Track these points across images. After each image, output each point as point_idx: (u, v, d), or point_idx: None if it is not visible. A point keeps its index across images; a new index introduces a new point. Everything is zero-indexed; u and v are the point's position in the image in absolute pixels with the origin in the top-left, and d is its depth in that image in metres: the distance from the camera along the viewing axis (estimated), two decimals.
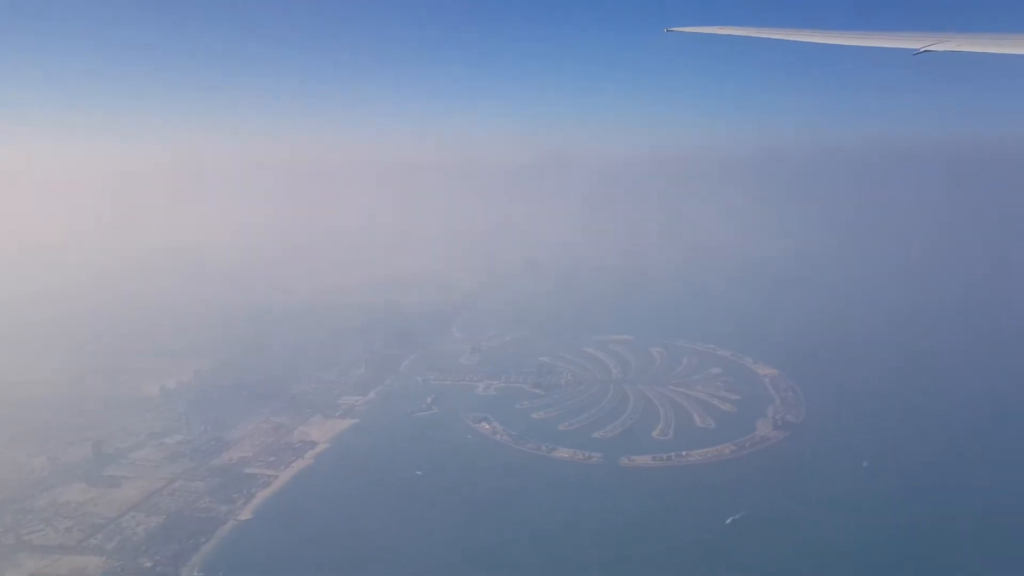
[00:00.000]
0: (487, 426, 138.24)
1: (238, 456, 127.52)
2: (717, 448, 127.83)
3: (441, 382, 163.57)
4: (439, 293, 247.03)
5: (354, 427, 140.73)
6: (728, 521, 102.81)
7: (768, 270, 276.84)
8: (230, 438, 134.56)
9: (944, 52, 19.42)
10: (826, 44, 24.01)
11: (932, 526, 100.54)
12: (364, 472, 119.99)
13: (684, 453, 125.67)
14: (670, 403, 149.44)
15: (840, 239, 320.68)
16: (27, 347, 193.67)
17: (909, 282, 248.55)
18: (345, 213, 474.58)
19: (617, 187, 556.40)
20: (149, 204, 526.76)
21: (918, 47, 19.60)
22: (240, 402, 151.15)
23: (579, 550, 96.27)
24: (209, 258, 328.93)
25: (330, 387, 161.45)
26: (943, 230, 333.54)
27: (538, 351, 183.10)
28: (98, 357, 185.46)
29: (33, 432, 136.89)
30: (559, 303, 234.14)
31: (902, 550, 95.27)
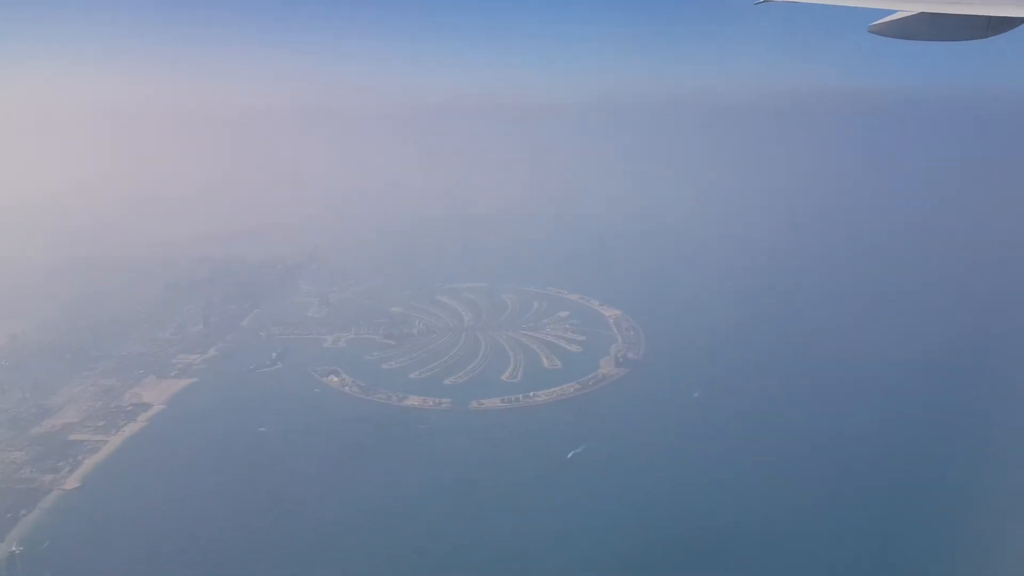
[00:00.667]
0: (335, 379, 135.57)
1: (62, 423, 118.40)
2: (562, 387, 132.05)
3: (287, 337, 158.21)
4: (287, 245, 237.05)
5: (192, 387, 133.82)
6: (569, 455, 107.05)
7: (621, 218, 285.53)
8: (52, 404, 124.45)
9: (780, 2, 19.81)
10: None
11: (753, 450, 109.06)
12: (203, 433, 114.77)
13: (532, 394, 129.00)
14: (520, 347, 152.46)
15: (695, 191, 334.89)
16: None
17: (756, 232, 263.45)
18: (212, 162, 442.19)
19: (487, 135, 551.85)
20: None
21: None
22: (63, 365, 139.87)
23: (425, 490, 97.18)
24: (42, 213, 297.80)
25: (165, 346, 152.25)
26: (785, 181, 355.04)
27: (391, 302, 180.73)
28: None
29: None
30: (414, 252, 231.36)
31: (720, 472, 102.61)
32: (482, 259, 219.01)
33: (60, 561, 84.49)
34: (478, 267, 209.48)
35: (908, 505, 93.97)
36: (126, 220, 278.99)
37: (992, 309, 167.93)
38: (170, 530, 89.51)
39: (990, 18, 15.42)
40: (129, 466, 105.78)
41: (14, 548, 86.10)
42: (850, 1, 17.87)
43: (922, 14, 16.15)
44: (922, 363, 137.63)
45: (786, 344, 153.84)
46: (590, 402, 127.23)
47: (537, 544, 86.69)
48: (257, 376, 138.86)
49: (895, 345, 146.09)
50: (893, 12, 16.72)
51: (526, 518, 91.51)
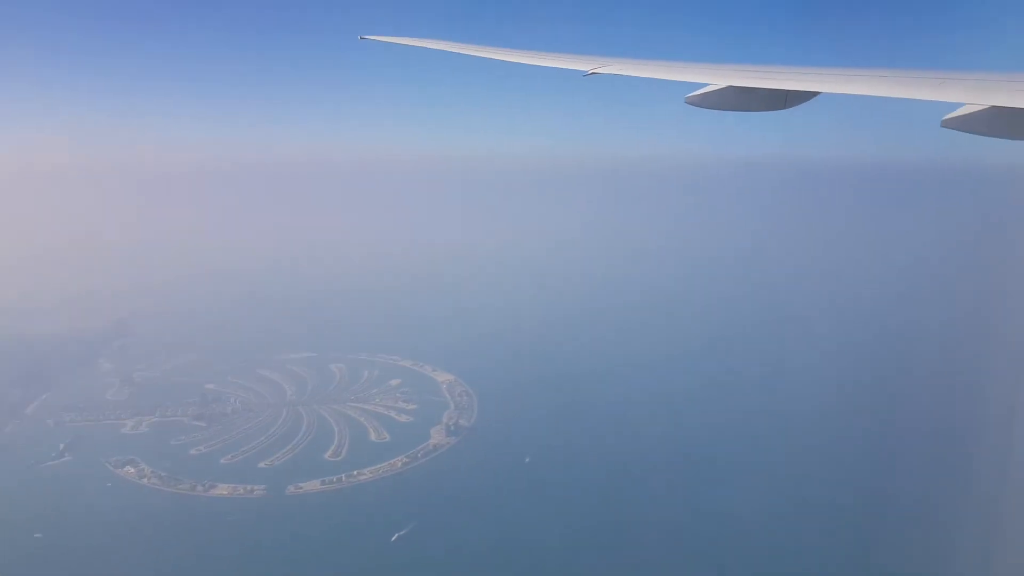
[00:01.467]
0: (132, 470, 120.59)
1: None
2: (390, 462, 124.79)
3: (80, 423, 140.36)
4: (91, 318, 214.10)
5: None
6: (394, 538, 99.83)
7: (445, 275, 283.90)
8: None
9: (609, 75, 21.12)
10: (509, 62, 25.20)
11: (585, 513, 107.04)
12: None
13: (355, 472, 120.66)
14: (346, 421, 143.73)
15: (524, 253, 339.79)
16: None
17: (578, 282, 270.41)
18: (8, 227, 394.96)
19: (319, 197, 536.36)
20: None
21: (588, 69, 21.46)
22: None
23: None
24: None
25: None
26: (607, 240, 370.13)
27: (205, 378, 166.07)
28: None
29: None
30: (236, 321, 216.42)
31: (550, 539, 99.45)
32: (311, 327, 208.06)
33: None
34: (306, 336, 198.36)
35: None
36: None
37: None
38: None
39: (788, 92, 17.46)
40: None
41: None
42: (668, 75, 19.90)
43: (730, 87, 17.93)
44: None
45: (615, 398, 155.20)
46: (419, 476, 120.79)
47: None
48: (38, 472, 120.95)
49: (717, 400, 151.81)
50: (707, 85, 18.46)
51: None
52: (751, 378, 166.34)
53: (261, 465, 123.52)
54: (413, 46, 29.66)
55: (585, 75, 21.49)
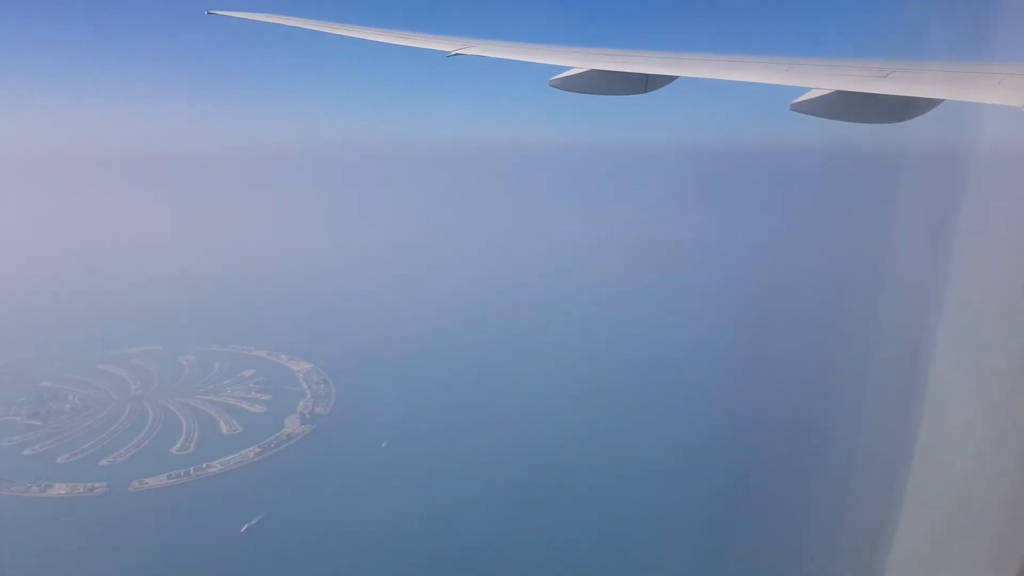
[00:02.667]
0: None
1: None
2: (241, 453, 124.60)
3: None
4: None
5: None
6: (243, 528, 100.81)
7: (301, 265, 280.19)
8: None
9: (472, 56, 21.03)
10: (368, 40, 24.54)
11: (441, 496, 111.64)
12: None
13: (205, 465, 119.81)
14: (195, 414, 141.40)
15: (381, 234, 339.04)
16: None
17: (433, 271, 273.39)
18: None
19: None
20: None
21: (451, 50, 21.26)
22: None
23: None
24: None
25: None
26: (466, 227, 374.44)
27: (40, 375, 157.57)
28: None
29: None
30: (75, 314, 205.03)
31: (405, 524, 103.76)
32: (156, 319, 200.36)
33: None
34: (151, 328, 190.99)
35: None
36: None
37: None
38: None
39: (648, 76, 18.01)
40: None
41: None
42: (531, 57, 20.00)
43: (593, 70, 18.26)
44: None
45: (473, 382, 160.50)
46: (272, 466, 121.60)
47: None
48: None
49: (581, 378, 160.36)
50: (571, 68, 18.80)
51: None
52: (591, 355, 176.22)
53: (103, 463, 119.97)
54: (265, 22, 27.27)
55: (448, 56, 21.36)
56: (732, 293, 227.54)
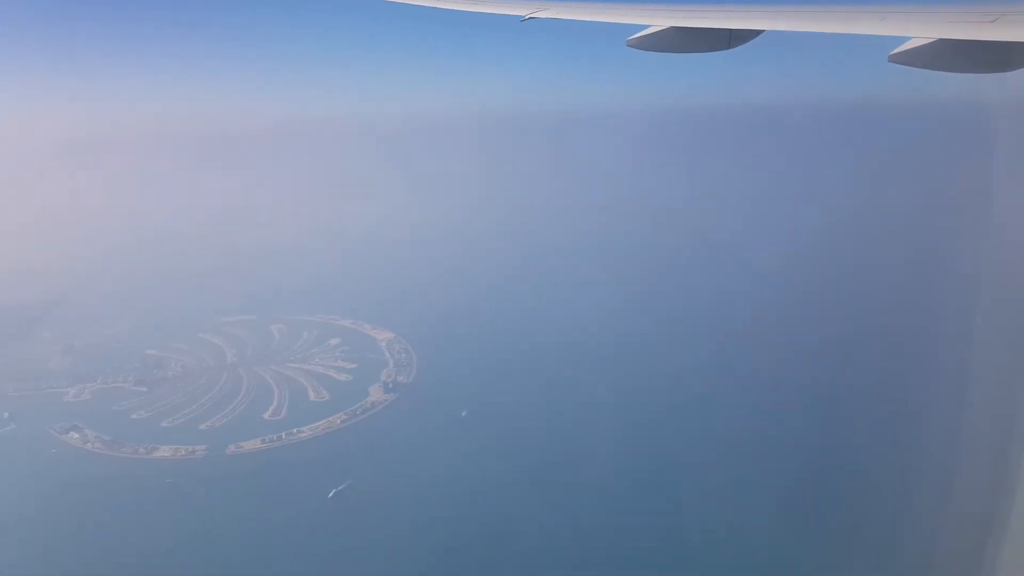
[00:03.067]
0: (76, 436, 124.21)
1: None
2: (328, 420, 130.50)
3: (21, 394, 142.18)
4: (30, 289, 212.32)
5: None
6: (330, 494, 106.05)
7: (384, 234, 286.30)
8: None
9: (547, 19, 20.56)
10: (438, 8, 24.37)
11: (517, 464, 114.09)
12: None
13: (295, 431, 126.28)
14: (286, 381, 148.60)
15: (463, 207, 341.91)
16: None
17: (522, 239, 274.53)
18: None
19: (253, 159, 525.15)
20: None
21: (524, 14, 20.80)
22: None
23: (160, 548, 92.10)
24: None
25: None
26: (557, 197, 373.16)
27: (146, 343, 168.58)
28: None
29: None
30: (177, 286, 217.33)
31: (483, 493, 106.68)
32: (251, 289, 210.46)
33: None
34: (246, 298, 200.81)
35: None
36: None
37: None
38: None
39: (731, 31, 17.35)
40: None
41: None
42: (608, 17, 19.57)
43: (672, 27, 17.76)
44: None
45: (552, 351, 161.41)
46: (356, 433, 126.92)
47: None
48: None
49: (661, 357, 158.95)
50: (648, 27, 18.31)
51: (270, 568, 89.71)
52: (695, 340, 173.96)
53: (202, 427, 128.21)
54: None
55: (522, 20, 21.02)
56: (850, 265, 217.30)
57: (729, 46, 17.77)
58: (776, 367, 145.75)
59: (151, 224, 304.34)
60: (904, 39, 14.64)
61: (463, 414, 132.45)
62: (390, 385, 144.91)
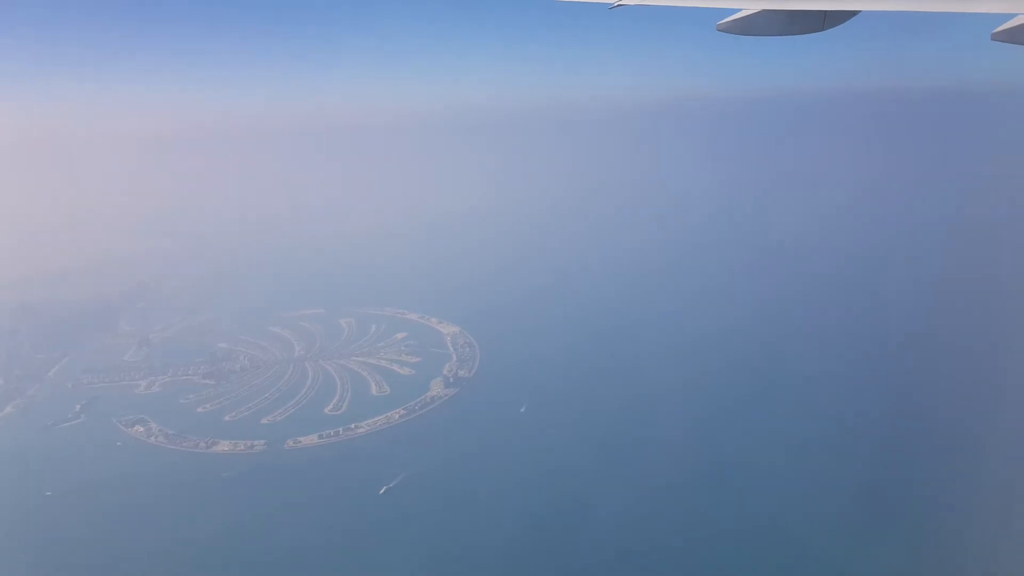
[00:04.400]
0: (141, 429, 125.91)
1: None
2: (387, 415, 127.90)
3: (97, 385, 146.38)
4: (112, 282, 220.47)
5: None
6: (382, 491, 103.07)
7: (459, 230, 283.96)
8: None
9: (636, 6, 20.41)
10: None
11: (575, 462, 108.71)
12: None
13: (353, 426, 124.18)
14: (350, 375, 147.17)
15: (540, 202, 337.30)
16: None
17: (598, 235, 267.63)
18: (36, 193, 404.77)
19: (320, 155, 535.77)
20: None
21: (614, 1, 20.60)
22: None
23: (206, 543, 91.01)
24: None
25: None
26: (638, 188, 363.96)
27: (218, 337, 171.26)
28: None
29: None
30: (251, 280, 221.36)
31: (538, 492, 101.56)
32: (323, 283, 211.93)
33: None
34: (317, 292, 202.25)
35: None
36: None
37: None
38: None
39: (826, 12, 16.71)
40: None
41: None
42: (698, 2, 19.14)
43: (764, 10, 17.23)
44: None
45: (613, 347, 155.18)
46: (414, 428, 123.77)
47: None
48: (54, 433, 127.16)
49: (721, 351, 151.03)
50: (739, 11, 17.81)
51: (315, 570, 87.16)
52: (760, 339, 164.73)
53: (264, 421, 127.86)
54: None
55: (611, 7, 21.03)
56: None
57: (823, 27, 17.22)
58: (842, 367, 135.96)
59: (229, 218, 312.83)
60: (1009, 16, 13.68)
61: (522, 409, 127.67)
62: (451, 380, 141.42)
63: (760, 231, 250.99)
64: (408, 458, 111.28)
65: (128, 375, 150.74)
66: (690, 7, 19.32)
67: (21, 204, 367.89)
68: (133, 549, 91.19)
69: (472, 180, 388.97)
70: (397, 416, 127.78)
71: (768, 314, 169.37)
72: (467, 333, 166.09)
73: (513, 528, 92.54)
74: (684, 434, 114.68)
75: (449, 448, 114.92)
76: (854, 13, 16.64)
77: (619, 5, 20.75)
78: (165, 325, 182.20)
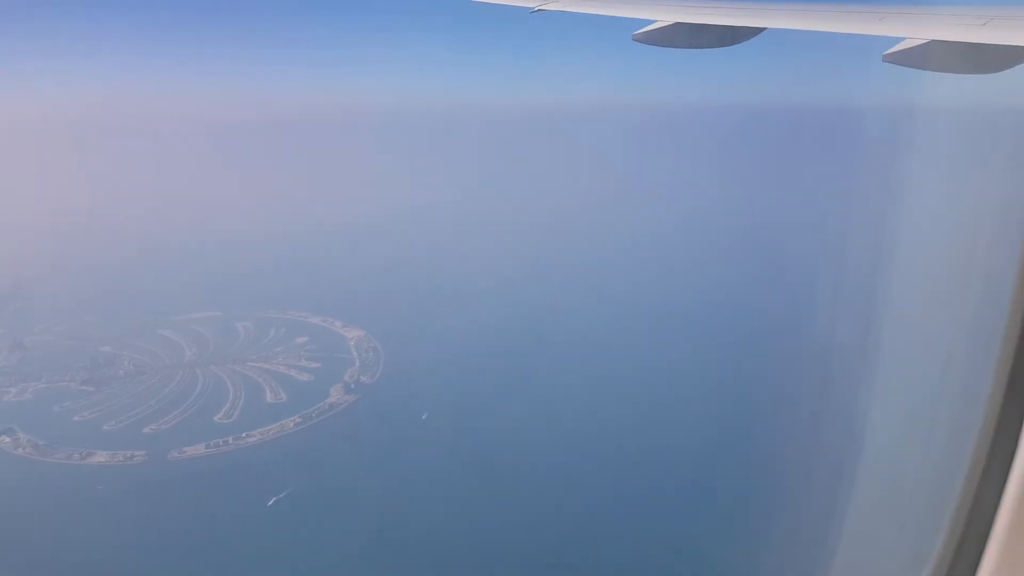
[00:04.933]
0: (7, 439, 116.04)
1: None
2: (281, 423, 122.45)
3: None
4: None
5: None
6: (270, 502, 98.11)
7: (366, 230, 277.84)
8: None
9: (556, 12, 20.71)
10: None
11: (471, 471, 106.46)
12: None
13: (244, 435, 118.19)
14: (244, 381, 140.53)
15: (450, 200, 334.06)
16: None
17: (510, 240, 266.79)
18: None
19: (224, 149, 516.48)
20: None
21: (534, 5, 20.76)
22: None
23: (71, 566, 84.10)
24: None
25: None
26: (549, 191, 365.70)
27: (101, 340, 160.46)
28: None
29: None
30: (141, 279, 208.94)
31: (429, 501, 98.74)
32: (220, 284, 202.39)
33: None
34: (214, 293, 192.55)
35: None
36: None
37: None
38: None
39: (735, 27, 17.45)
40: None
41: None
42: (616, 11, 20.00)
43: (677, 23, 17.75)
44: None
45: (531, 359, 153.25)
46: (309, 437, 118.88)
47: None
48: None
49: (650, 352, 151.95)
50: (655, 21, 18.22)
51: None
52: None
53: (146, 431, 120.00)
54: None
55: (532, 11, 21.11)
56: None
57: (732, 43, 18.03)
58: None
59: (119, 215, 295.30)
60: (899, 39, 15.18)
61: (424, 416, 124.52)
62: (352, 386, 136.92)
63: (618, 232, 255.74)
64: (300, 468, 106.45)
65: None
66: (609, 16, 20.08)
67: None
68: None
69: (387, 180, 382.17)
70: (292, 424, 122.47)
71: (671, 318, 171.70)
72: (372, 337, 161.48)
73: (405, 539, 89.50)
74: (590, 441, 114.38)
75: (344, 457, 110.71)
76: (761, 30, 17.39)
77: (540, 9, 20.81)
78: (42, 328, 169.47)
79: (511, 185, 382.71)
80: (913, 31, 14.95)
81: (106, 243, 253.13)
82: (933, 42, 14.44)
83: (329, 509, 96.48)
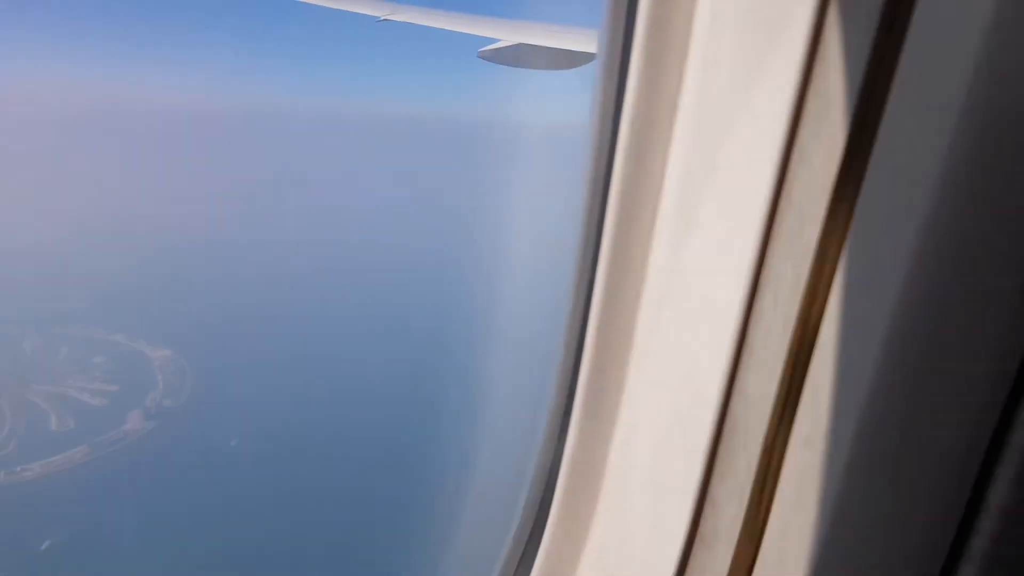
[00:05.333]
0: None
1: None
2: (67, 454, 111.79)
3: None
4: None
5: None
6: (44, 547, 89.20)
7: (180, 242, 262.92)
8: None
9: (402, 23, 21.86)
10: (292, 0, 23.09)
11: (278, 500, 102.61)
12: None
13: (19, 469, 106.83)
14: (24, 408, 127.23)
15: (277, 212, 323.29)
16: None
17: (343, 262, 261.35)
18: None
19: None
20: None
21: (381, 15, 22.05)
22: None
23: None
24: None
25: None
26: (388, 208, 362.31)
27: None
28: None
29: None
30: None
31: (246, 527, 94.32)
32: (7, 296, 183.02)
33: None
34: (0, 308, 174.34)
35: None
36: None
37: None
38: None
39: (575, 52, 17.90)
40: None
41: None
42: (461, 27, 20.54)
43: (521, 44, 18.63)
44: None
45: (349, 381, 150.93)
46: (98, 469, 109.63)
47: None
48: None
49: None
50: (500, 40, 19.14)
51: None
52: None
53: None
54: None
55: (378, 21, 22.10)
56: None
57: (573, 65, 18.36)
58: None
59: None
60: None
61: (232, 443, 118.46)
62: (152, 411, 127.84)
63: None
64: (83, 505, 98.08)
65: None
66: (453, 31, 21.06)
67: None
68: None
69: (215, 185, 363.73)
70: (79, 455, 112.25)
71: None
72: (181, 357, 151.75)
73: None
74: (404, 448, 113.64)
75: (135, 491, 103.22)
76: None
77: (386, 19, 21.58)
78: None
79: (340, 198, 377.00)
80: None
81: None
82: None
83: (112, 551, 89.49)
